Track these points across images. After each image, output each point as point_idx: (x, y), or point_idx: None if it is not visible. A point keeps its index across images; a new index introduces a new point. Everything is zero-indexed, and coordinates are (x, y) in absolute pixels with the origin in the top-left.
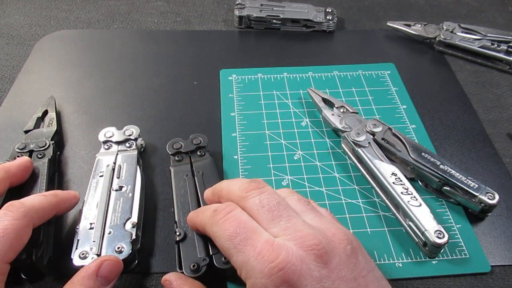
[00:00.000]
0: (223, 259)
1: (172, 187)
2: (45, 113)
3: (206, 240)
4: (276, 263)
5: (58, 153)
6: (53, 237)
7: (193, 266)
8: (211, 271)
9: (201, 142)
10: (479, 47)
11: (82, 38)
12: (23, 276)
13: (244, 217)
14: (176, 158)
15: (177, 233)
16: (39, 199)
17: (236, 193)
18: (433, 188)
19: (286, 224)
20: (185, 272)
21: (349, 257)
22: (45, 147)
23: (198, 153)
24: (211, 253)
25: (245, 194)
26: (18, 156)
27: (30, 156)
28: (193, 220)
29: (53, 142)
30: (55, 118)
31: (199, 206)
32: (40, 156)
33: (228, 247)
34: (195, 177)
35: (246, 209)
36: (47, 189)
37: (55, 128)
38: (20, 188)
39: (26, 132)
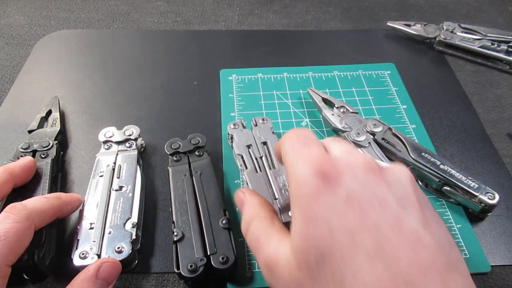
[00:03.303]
0: (220, 259)
1: (170, 187)
2: (49, 113)
3: (204, 240)
4: (323, 161)
5: (62, 153)
6: (55, 238)
7: (191, 266)
8: (208, 271)
9: (199, 142)
10: (479, 47)
11: (82, 38)
12: (25, 277)
13: (310, 134)
14: (174, 158)
15: (175, 233)
16: (41, 201)
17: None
18: (433, 188)
19: (349, 149)
20: (182, 273)
21: (404, 178)
22: (49, 147)
23: (197, 153)
24: (208, 253)
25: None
26: (21, 156)
27: (33, 156)
28: (278, 143)
29: (56, 142)
30: (58, 118)
31: (197, 206)
32: (43, 156)
33: (287, 149)
34: (193, 177)
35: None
36: (50, 189)
37: (59, 128)
38: (23, 187)
39: (30, 132)
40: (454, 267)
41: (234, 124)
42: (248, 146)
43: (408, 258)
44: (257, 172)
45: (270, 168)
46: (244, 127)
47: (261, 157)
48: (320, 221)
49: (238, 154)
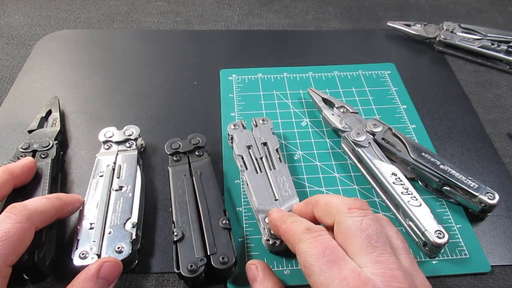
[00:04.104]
0: (220, 259)
1: (170, 187)
2: (49, 113)
3: (204, 240)
4: None
5: (62, 153)
6: (55, 238)
7: (191, 266)
8: (208, 271)
9: (199, 142)
10: (479, 47)
11: (82, 38)
12: (26, 277)
13: (334, 243)
14: (174, 158)
15: (175, 233)
16: (42, 202)
17: (337, 206)
18: (433, 188)
19: (378, 258)
20: (182, 273)
21: None
22: (49, 147)
23: (196, 153)
24: (208, 253)
25: (347, 210)
26: (21, 156)
27: (33, 156)
28: (279, 226)
29: (56, 142)
30: (58, 118)
31: (197, 206)
32: (43, 156)
33: (312, 264)
34: (193, 177)
35: (342, 226)
36: (50, 190)
37: (59, 128)
38: (23, 188)
39: (30, 131)
40: None
41: (234, 125)
42: (249, 147)
43: None
44: (257, 172)
45: (271, 169)
46: (244, 127)
47: (261, 158)
48: None
49: (238, 155)
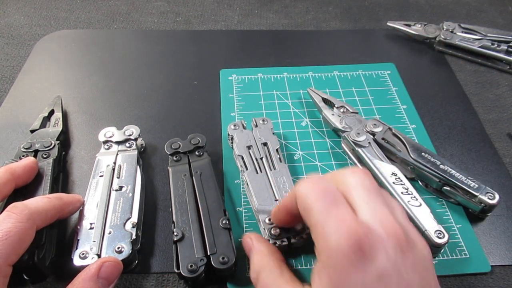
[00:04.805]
0: (220, 259)
1: (170, 187)
2: (51, 112)
3: (204, 240)
4: (357, 231)
5: (63, 153)
6: (56, 238)
7: (191, 266)
8: (208, 271)
9: (199, 142)
10: (479, 47)
11: (82, 38)
12: (25, 277)
13: (334, 189)
14: (174, 158)
15: (175, 233)
16: (43, 201)
17: (343, 171)
18: (433, 188)
19: (378, 209)
20: (182, 273)
21: (425, 260)
22: (50, 147)
23: (196, 153)
24: (208, 253)
25: (351, 172)
26: (23, 156)
27: (35, 155)
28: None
29: (58, 142)
30: (61, 118)
31: (197, 206)
32: (45, 156)
33: (312, 205)
34: (193, 177)
35: (345, 183)
36: (51, 190)
37: (61, 128)
38: (24, 188)
39: (32, 131)
40: None
41: (235, 125)
42: (249, 147)
43: None
44: (257, 173)
45: (271, 169)
46: (244, 127)
47: (261, 158)
48: None
49: (239, 155)
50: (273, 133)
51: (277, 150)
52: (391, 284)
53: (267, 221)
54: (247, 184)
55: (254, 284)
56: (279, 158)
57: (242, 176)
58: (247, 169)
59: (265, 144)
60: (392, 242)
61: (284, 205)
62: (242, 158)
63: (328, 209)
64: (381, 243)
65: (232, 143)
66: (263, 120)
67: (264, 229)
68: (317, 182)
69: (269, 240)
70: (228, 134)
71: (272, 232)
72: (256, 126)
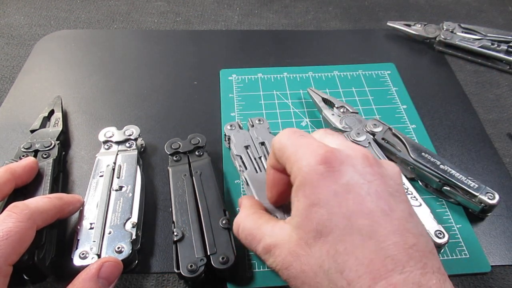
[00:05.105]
0: (220, 259)
1: (170, 187)
2: (51, 112)
3: (204, 240)
4: (324, 149)
5: (63, 153)
6: (56, 238)
7: (191, 266)
8: (208, 271)
9: (199, 142)
10: (479, 47)
11: (82, 38)
12: (25, 277)
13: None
14: (174, 158)
15: (175, 233)
16: (43, 201)
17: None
18: (433, 188)
19: (340, 140)
20: (182, 273)
21: (394, 174)
22: (50, 147)
23: (196, 153)
24: (208, 253)
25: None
26: (23, 156)
27: (35, 155)
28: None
29: (58, 142)
30: (61, 118)
31: (197, 206)
32: (45, 156)
33: (285, 142)
34: (193, 177)
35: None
36: (51, 190)
37: (61, 128)
38: (24, 187)
39: (32, 131)
40: (432, 252)
41: (231, 125)
42: (246, 147)
43: (396, 241)
44: (257, 172)
45: None
46: (241, 128)
47: (260, 158)
48: (322, 204)
49: (237, 155)
50: (270, 133)
51: None
52: (360, 191)
53: None
54: (247, 184)
55: (237, 236)
56: None
57: (242, 176)
58: (246, 168)
59: (262, 143)
60: (360, 158)
61: (269, 167)
62: (241, 157)
63: (298, 139)
64: (349, 158)
65: (229, 143)
66: (259, 120)
67: None
68: (286, 129)
69: None
70: (225, 135)
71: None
72: (253, 126)
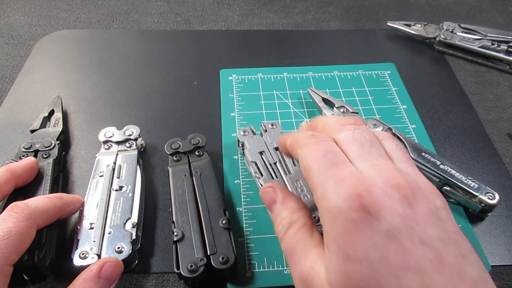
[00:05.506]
0: (220, 259)
1: (170, 187)
2: (52, 112)
3: (204, 240)
4: (357, 189)
5: (64, 153)
6: (56, 238)
7: (191, 266)
8: (208, 271)
9: (199, 142)
10: (479, 47)
11: (82, 38)
12: (25, 277)
13: (336, 148)
14: (174, 158)
15: (175, 233)
16: (43, 201)
17: (332, 125)
18: None
19: (374, 162)
20: (182, 273)
21: (439, 210)
22: (51, 147)
23: (196, 153)
24: (208, 253)
25: (340, 126)
26: (23, 156)
27: (35, 155)
28: (285, 139)
29: (58, 142)
30: (61, 118)
31: (197, 206)
32: (45, 156)
33: (312, 166)
34: (193, 177)
35: (337, 142)
36: (51, 190)
37: (61, 128)
38: (24, 187)
39: (32, 131)
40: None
41: (244, 131)
42: (261, 153)
43: None
44: (273, 178)
45: (286, 174)
46: (254, 133)
47: (275, 163)
48: (360, 258)
49: (252, 161)
50: None
51: None
52: (403, 239)
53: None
54: None
55: (279, 239)
56: (293, 162)
57: (257, 182)
58: (262, 175)
59: (277, 148)
60: (397, 196)
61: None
62: (256, 164)
63: (327, 170)
64: (387, 197)
65: (243, 149)
66: (272, 124)
67: None
68: (316, 142)
69: None
70: (238, 141)
71: (282, 151)
72: (266, 131)
